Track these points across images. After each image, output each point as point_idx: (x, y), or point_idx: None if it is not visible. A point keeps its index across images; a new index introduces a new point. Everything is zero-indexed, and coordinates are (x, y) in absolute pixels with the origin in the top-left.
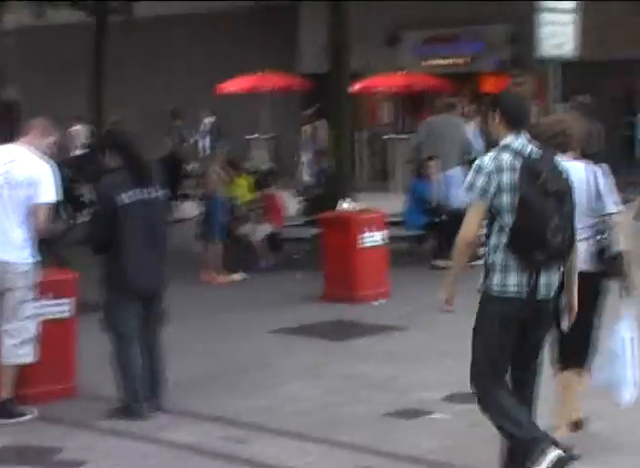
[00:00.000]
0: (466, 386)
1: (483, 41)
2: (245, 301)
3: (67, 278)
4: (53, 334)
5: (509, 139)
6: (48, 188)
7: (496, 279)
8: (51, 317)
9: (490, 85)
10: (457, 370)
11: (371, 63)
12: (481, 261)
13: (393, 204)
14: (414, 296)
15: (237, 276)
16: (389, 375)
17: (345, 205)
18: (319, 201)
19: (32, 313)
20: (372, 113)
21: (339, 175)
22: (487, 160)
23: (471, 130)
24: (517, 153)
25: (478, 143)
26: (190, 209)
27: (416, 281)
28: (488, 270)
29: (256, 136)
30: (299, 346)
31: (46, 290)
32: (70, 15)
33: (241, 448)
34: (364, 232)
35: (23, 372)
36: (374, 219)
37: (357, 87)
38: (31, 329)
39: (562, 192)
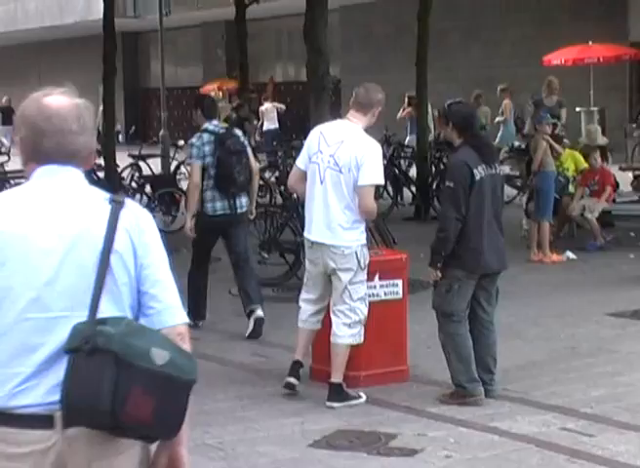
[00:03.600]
0: None
1: None
2: (578, 282)
3: (399, 258)
4: (384, 316)
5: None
6: (374, 170)
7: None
8: (382, 298)
9: None
10: None
11: None
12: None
13: None
14: None
15: (570, 255)
16: None
17: None
18: None
19: (363, 294)
20: None
21: None
22: None
23: None
24: None
25: None
26: None
27: None
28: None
29: (579, 109)
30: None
31: (378, 270)
32: None
33: (586, 443)
34: None
35: (356, 354)
36: None
37: None
38: (361, 310)
39: None
